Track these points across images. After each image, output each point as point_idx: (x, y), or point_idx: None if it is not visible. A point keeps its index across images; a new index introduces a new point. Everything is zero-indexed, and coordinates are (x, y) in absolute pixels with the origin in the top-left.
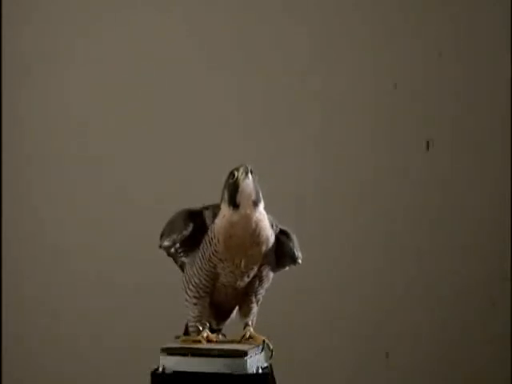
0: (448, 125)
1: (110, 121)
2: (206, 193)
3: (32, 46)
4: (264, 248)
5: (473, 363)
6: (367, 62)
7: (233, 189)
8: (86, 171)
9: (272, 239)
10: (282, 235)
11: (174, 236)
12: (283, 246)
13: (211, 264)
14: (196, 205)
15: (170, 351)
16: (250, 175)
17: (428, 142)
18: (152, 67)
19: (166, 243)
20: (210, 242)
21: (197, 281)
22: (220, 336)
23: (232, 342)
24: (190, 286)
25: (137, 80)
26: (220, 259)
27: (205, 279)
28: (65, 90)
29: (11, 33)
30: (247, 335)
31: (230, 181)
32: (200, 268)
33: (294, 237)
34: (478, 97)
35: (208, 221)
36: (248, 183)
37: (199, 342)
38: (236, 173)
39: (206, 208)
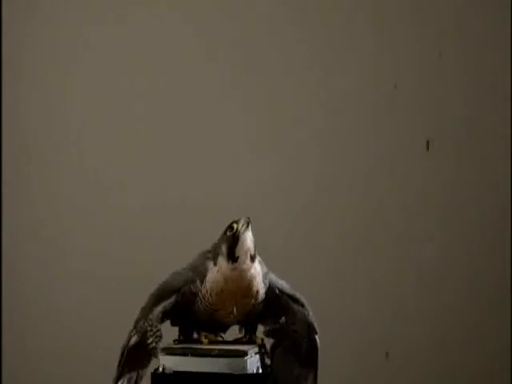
0: (448, 125)
1: (111, 121)
2: (205, 192)
3: (32, 46)
4: (253, 300)
5: (473, 363)
6: (367, 62)
7: (232, 241)
8: (86, 171)
9: (262, 294)
10: (294, 303)
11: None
12: (296, 314)
13: (207, 312)
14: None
15: (170, 351)
16: (250, 228)
17: (428, 142)
18: (153, 68)
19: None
20: (203, 297)
21: (195, 319)
22: (219, 338)
23: (232, 341)
24: (189, 320)
25: (138, 81)
26: (214, 309)
27: (203, 320)
28: (65, 90)
29: (11, 33)
30: (246, 338)
31: (229, 233)
32: (197, 317)
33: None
34: (478, 97)
35: (195, 287)
36: (248, 236)
37: (199, 341)
38: (235, 225)
39: (191, 275)
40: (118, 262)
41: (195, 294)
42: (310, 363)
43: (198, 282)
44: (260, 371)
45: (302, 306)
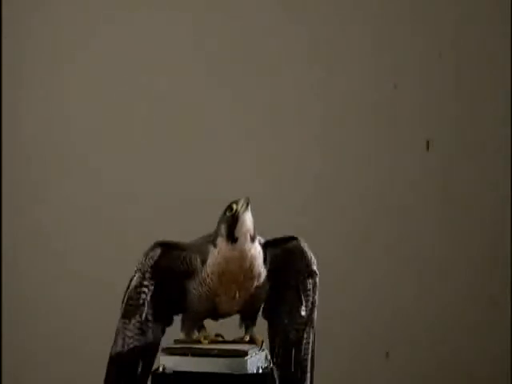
0: (448, 125)
1: (110, 122)
2: (206, 192)
3: (32, 46)
4: (255, 282)
5: (473, 363)
6: (367, 62)
7: (231, 222)
8: (86, 172)
9: (263, 275)
10: (288, 243)
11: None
12: (294, 251)
13: (209, 299)
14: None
15: (170, 351)
16: (249, 208)
17: (428, 142)
18: (153, 69)
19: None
20: (203, 282)
21: (197, 313)
22: (219, 338)
23: (232, 341)
24: (191, 315)
25: (138, 83)
26: (216, 294)
27: (204, 310)
28: (65, 91)
29: (11, 33)
30: (247, 338)
31: (228, 214)
32: (198, 307)
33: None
34: (478, 97)
35: (195, 261)
36: (248, 216)
37: (199, 341)
38: (235, 206)
39: (194, 247)
40: (118, 262)
41: (193, 272)
42: (310, 309)
43: (198, 259)
44: (260, 371)
45: (296, 239)
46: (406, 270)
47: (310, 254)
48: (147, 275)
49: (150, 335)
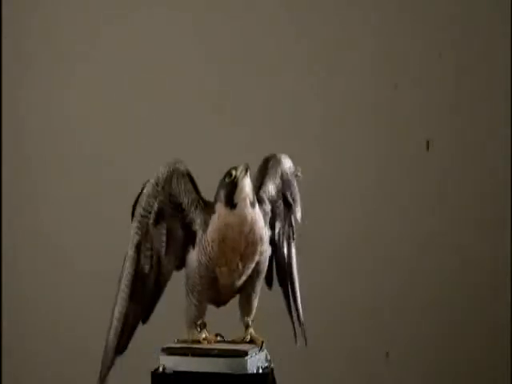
0: (448, 125)
1: (110, 121)
2: (206, 192)
3: (32, 46)
4: (258, 248)
5: (473, 362)
6: (367, 62)
7: (231, 188)
8: (85, 171)
9: (265, 240)
10: (269, 170)
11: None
12: (275, 174)
13: (209, 270)
14: None
15: (171, 351)
16: (248, 174)
17: (428, 142)
18: (153, 69)
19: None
20: (204, 250)
21: (199, 288)
22: (218, 337)
23: (232, 341)
24: (194, 293)
25: (138, 82)
26: (217, 265)
27: (207, 286)
28: (65, 90)
29: (11, 33)
30: (247, 339)
31: (227, 180)
32: (200, 276)
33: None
34: (478, 97)
35: (197, 226)
36: (247, 182)
37: (199, 342)
38: (234, 172)
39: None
40: (118, 262)
41: (191, 226)
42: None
43: (202, 215)
44: (260, 371)
45: (272, 156)
46: (405, 270)
47: (289, 159)
48: (160, 186)
49: (163, 253)
